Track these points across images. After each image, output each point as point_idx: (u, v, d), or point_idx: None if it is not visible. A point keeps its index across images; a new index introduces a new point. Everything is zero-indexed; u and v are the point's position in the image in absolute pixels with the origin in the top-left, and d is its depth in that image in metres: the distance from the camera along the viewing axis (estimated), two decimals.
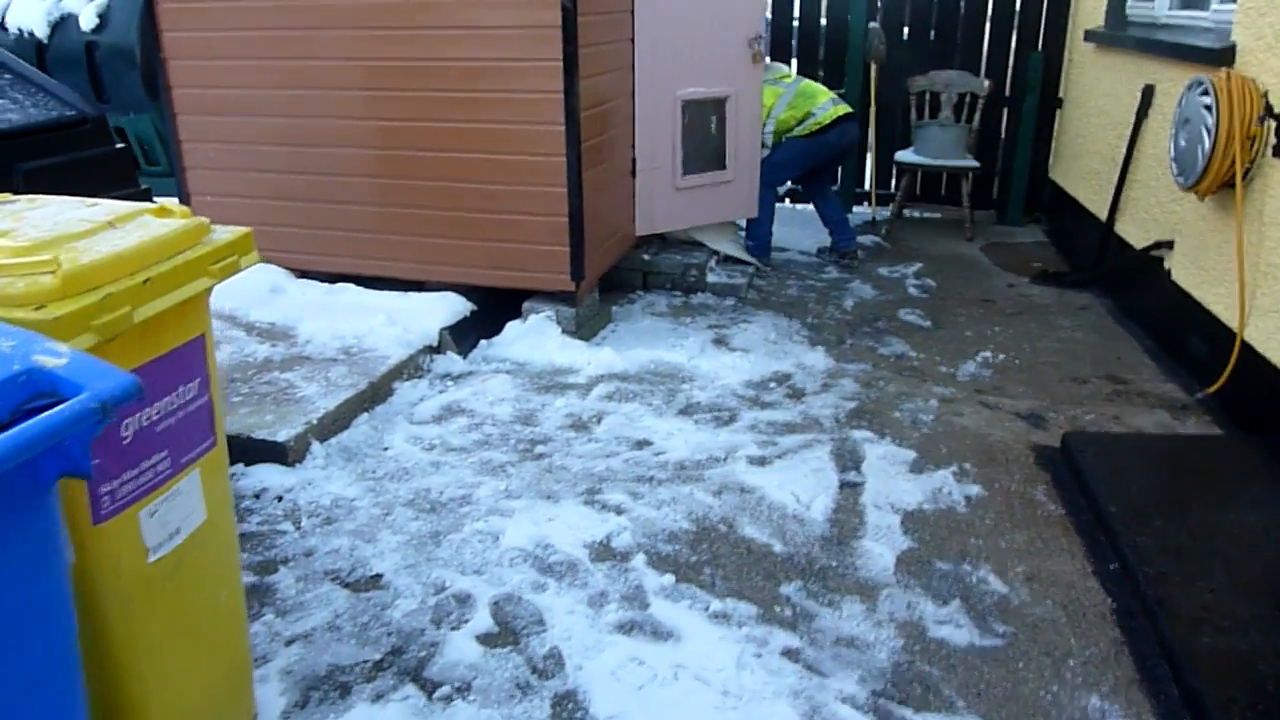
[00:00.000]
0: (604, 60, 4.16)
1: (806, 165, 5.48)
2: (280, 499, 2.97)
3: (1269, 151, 3.36)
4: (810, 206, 6.66)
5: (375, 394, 3.61)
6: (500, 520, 2.83)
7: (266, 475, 3.08)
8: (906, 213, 6.75)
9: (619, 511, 2.88)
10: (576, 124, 3.85)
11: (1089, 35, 5.64)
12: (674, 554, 2.69)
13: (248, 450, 3.15)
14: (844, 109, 5.37)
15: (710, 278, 5.01)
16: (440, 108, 4.02)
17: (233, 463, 3.13)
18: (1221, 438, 3.38)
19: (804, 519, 2.88)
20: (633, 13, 4.46)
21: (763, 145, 5.25)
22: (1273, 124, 3.33)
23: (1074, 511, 2.92)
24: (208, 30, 4.23)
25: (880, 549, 2.73)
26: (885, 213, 6.46)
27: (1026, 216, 6.59)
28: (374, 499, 2.97)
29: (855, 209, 6.74)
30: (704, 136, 4.95)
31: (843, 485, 3.06)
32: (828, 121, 5.27)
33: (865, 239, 6.12)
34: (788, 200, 6.93)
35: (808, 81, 5.52)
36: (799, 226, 6.32)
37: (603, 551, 2.70)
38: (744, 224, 5.52)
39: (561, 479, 3.09)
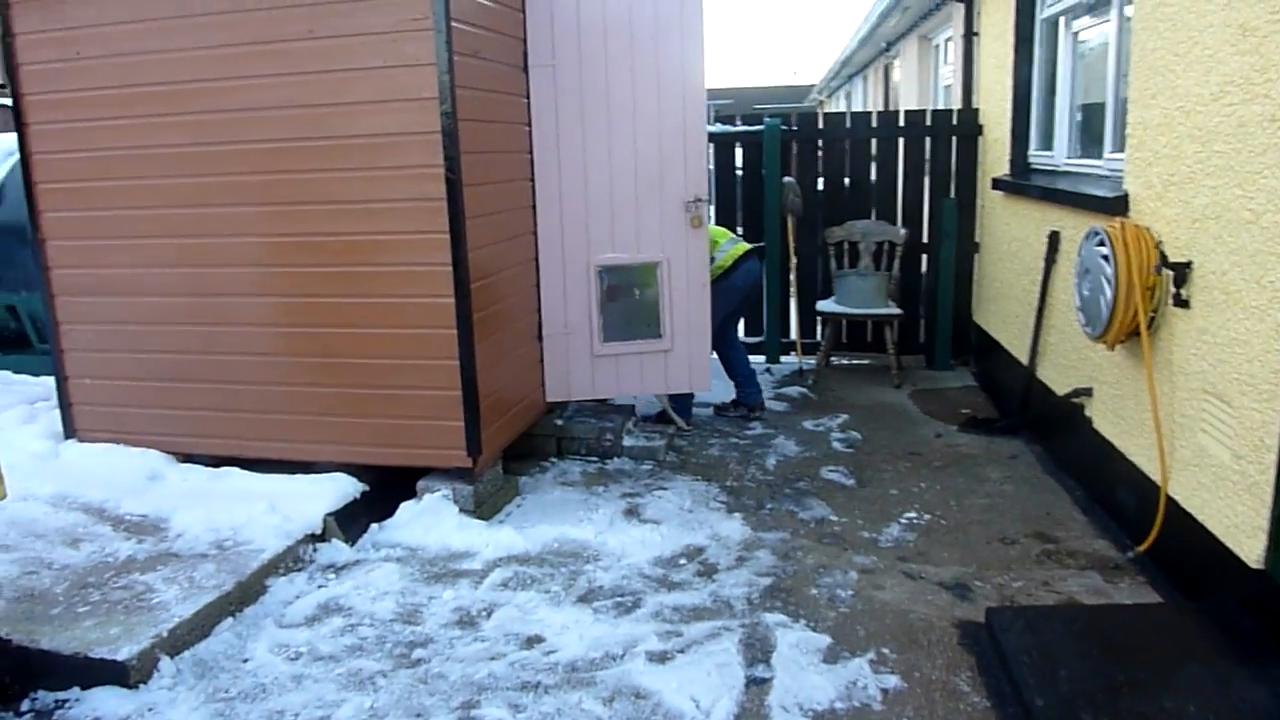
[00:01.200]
0: (499, 228, 4.05)
1: (718, 315, 5.33)
2: None
3: (1170, 301, 3.28)
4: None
5: (244, 595, 3.29)
6: None
7: (102, 702, 2.73)
8: (834, 360, 6.67)
9: None
10: (467, 295, 3.70)
11: (996, 183, 5.72)
12: None
13: (85, 672, 2.81)
14: (743, 246, 5.32)
15: (627, 441, 4.80)
16: (327, 283, 3.86)
17: (68, 686, 2.79)
18: (1156, 607, 3.15)
19: None
20: (533, 181, 4.41)
21: None
22: (1169, 273, 3.26)
23: (1000, 703, 2.64)
24: (87, 210, 4.08)
25: None
26: (811, 362, 6.36)
27: (955, 360, 6.53)
28: None
29: (782, 359, 6.64)
30: (632, 303, 4.77)
31: (749, 683, 2.76)
32: (729, 264, 5.20)
33: (792, 390, 5.99)
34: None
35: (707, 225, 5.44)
36: (720, 379, 6.18)
37: None
38: None
39: (437, 690, 2.76)
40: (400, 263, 3.74)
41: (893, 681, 2.76)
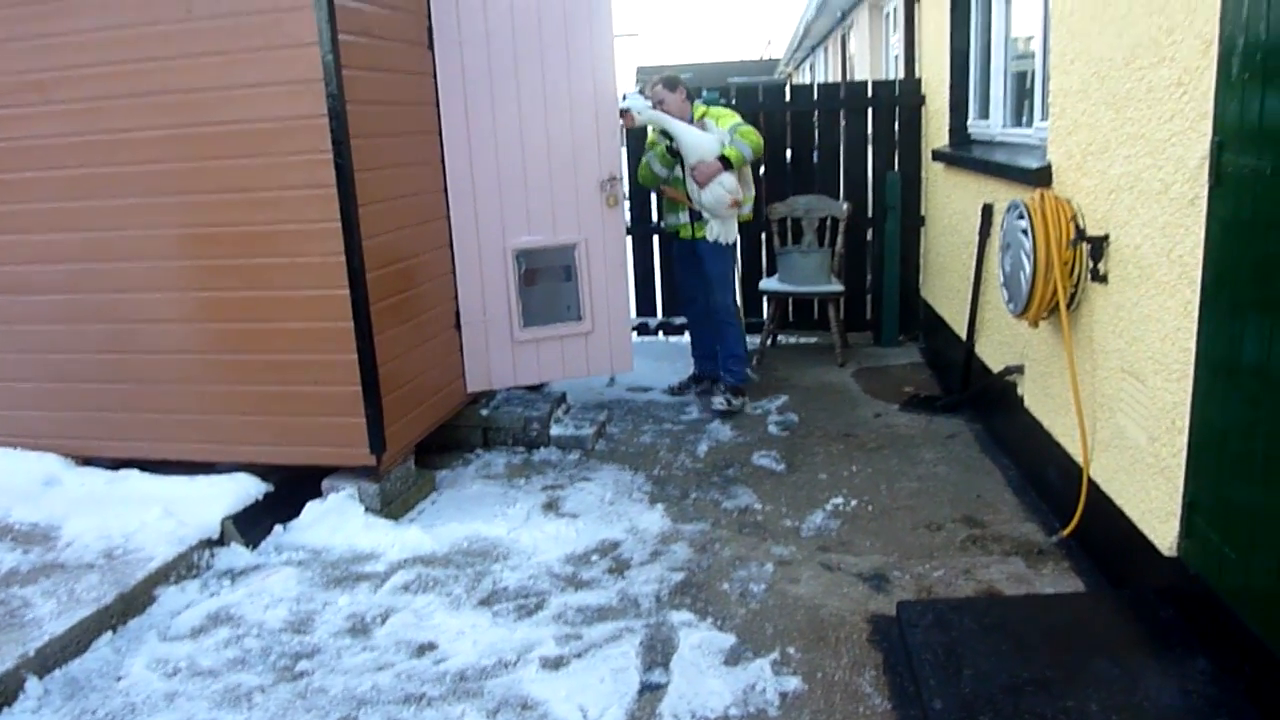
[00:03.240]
0: (402, 214, 3.88)
1: (730, 274, 5.20)
2: None
3: (1088, 276, 3.15)
4: (680, 339, 6.47)
5: (127, 606, 3.13)
6: None
7: None
8: (780, 339, 6.53)
9: None
10: (363, 286, 3.53)
11: (936, 155, 5.57)
12: None
13: None
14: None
15: (555, 430, 4.65)
16: (221, 276, 3.68)
17: None
18: (1073, 597, 3.03)
19: None
20: (443, 164, 4.22)
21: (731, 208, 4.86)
22: (1086, 247, 3.12)
23: (902, 704, 2.52)
24: None
25: None
26: (755, 341, 6.22)
27: (904, 336, 6.41)
28: None
29: None
30: (551, 286, 4.65)
31: (643, 689, 2.63)
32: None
33: None
34: (660, 333, 6.69)
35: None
36: (668, 360, 6.05)
37: None
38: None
39: (314, 706, 2.62)
40: (293, 254, 3.56)
41: (793, 684, 2.63)
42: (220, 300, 3.71)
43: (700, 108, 4.98)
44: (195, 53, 3.47)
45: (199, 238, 3.66)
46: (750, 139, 4.79)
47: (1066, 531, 3.31)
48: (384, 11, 3.73)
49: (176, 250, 3.71)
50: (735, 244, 5.11)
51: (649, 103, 4.74)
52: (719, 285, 5.07)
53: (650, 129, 4.95)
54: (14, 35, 3.63)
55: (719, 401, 5.01)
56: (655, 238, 6.47)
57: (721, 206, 4.81)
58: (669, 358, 6.10)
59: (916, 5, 6.29)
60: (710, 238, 4.93)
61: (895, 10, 8.16)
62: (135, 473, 3.89)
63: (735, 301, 5.38)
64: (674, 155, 4.90)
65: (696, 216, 4.98)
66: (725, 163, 4.73)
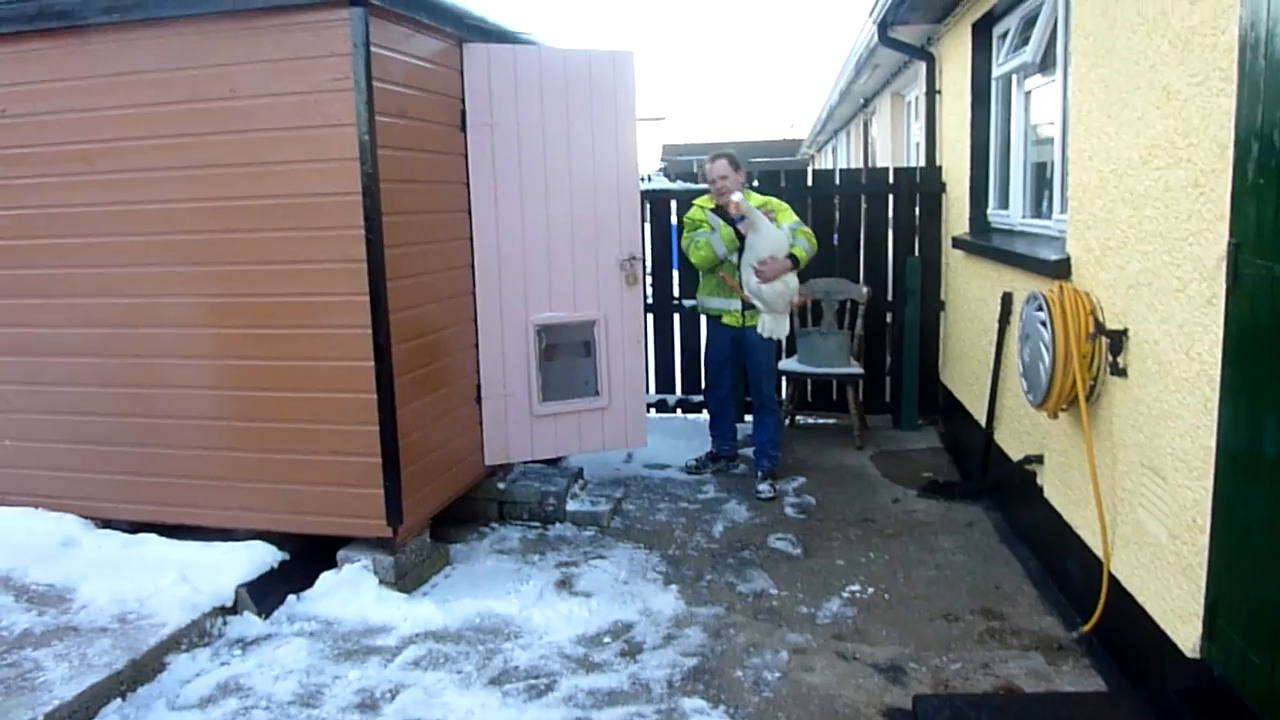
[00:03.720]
0: (429, 289, 3.95)
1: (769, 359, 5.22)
2: None
3: (1108, 369, 3.16)
4: (698, 416, 6.49)
5: (138, 673, 3.12)
6: None
7: None
8: (800, 419, 6.53)
9: None
10: (388, 358, 3.58)
11: (956, 242, 5.63)
12: None
13: None
14: None
15: (571, 505, 4.65)
16: (250, 345, 3.75)
17: None
18: (1093, 696, 2.97)
19: None
20: (471, 240, 4.32)
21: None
22: (1105, 340, 3.14)
23: None
24: (9, 268, 3.99)
25: None
26: None
27: (922, 419, 6.39)
28: None
29: (746, 418, 6.49)
30: (571, 361, 4.71)
31: None
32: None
33: (752, 450, 5.83)
34: (679, 410, 6.71)
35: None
36: (685, 438, 6.05)
37: None
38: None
39: None
40: (321, 325, 3.63)
41: None
42: (245, 368, 3.77)
43: (758, 197, 5.06)
44: (236, 130, 3.59)
45: (229, 306, 3.74)
46: (810, 240, 4.93)
47: (1087, 627, 3.25)
48: (420, 94, 3.85)
49: (206, 318, 3.79)
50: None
51: (741, 195, 4.78)
52: (767, 375, 5.16)
53: (697, 208, 5.02)
54: (67, 108, 3.77)
55: (765, 489, 5.01)
56: (676, 315, 6.53)
57: (781, 302, 4.87)
58: (686, 435, 6.10)
59: (938, 96, 6.43)
60: (764, 333, 4.96)
61: (917, 99, 8.33)
62: (153, 537, 3.91)
63: (777, 389, 5.39)
64: (740, 240, 4.91)
65: (748, 306, 5.00)
66: (793, 261, 4.81)
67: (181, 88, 3.61)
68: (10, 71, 3.80)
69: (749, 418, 5.64)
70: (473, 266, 4.35)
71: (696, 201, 5.15)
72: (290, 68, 3.48)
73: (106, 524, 4.05)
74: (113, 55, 3.67)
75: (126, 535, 3.95)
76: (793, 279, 4.85)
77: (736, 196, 4.72)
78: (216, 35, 3.54)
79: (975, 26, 5.25)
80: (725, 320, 5.10)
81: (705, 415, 5.91)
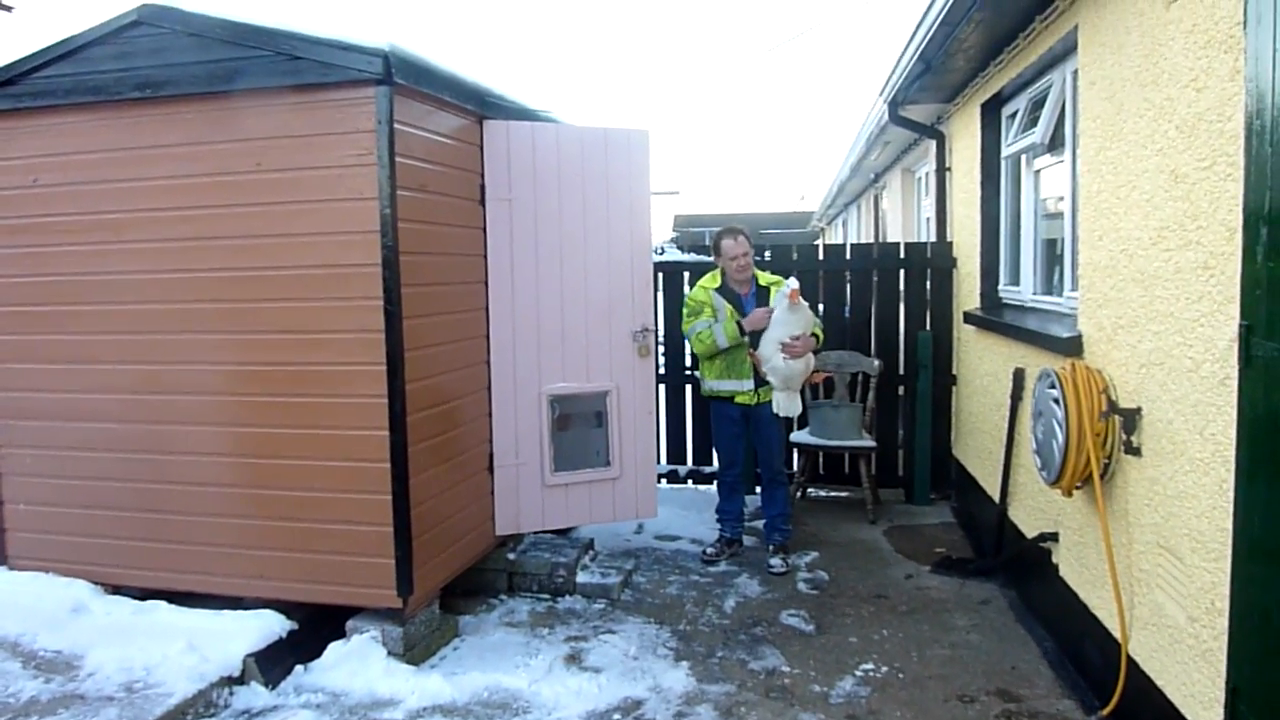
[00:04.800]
0: (445, 360, 3.99)
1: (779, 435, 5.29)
2: None
3: (1122, 448, 3.15)
4: (709, 488, 6.46)
5: None
6: None
7: None
8: (811, 493, 6.50)
9: None
10: (403, 428, 3.61)
11: (968, 317, 5.66)
12: None
13: None
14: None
15: (581, 578, 4.61)
16: (265, 413, 3.78)
17: None
18: None
19: None
20: (487, 311, 4.38)
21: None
22: (1118, 419, 3.14)
23: None
24: (25, 334, 4.06)
25: None
26: None
27: (936, 494, 6.35)
28: None
29: (757, 489, 6.46)
30: (583, 432, 4.74)
31: None
32: None
33: (762, 524, 5.79)
34: (689, 481, 6.68)
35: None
36: (696, 510, 6.01)
37: None
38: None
39: None
40: (338, 393, 3.66)
41: None
42: (260, 435, 3.80)
43: (766, 275, 5.15)
44: (260, 202, 3.68)
45: (247, 374, 3.79)
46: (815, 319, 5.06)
47: (1106, 711, 3.19)
48: (441, 169, 3.95)
49: (224, 385, 3.83)
50: None
51: (797, 284, 4.86)
52: (778, 450, 5.21)
53: (700, 289, 5.06)
54: (96, 179, 3.88)
55: (777, 564, 4.98)
56: (688, 386, 6.56)
57: (798, 379, 4.92)
58: (696, 507, 6.07)
59: (948, 173, 6.53)
60: (779, 412, 4.98)
61: (927, 175, 8.46)
62: (163, 604, 3.89)
63: (787, 463, 5.41)
64: (742, 332, 4.94)
65: (760, 383, 5.02)
66: (814, 340, 4.96)
67: (210, 161, 3.71)
68: (44, 142, 3.92)
69: (757, 488, 5.63)
70: (488, 337, 4.40)
71: (701, 282, 5.14)
72: (316, 143, 3.57)
73: (116, 590, 4.04)
74: (144, 129, 3.77)
75: (136, 602, 3.93)
76: (811, 356, 4.92)
77: (793, 283, 4.81)
78: (245, 111, 3.65)
79: (984, 107, 5.36)
80: (737, 400, 5.08)
81: (714, 490, 5.87)
